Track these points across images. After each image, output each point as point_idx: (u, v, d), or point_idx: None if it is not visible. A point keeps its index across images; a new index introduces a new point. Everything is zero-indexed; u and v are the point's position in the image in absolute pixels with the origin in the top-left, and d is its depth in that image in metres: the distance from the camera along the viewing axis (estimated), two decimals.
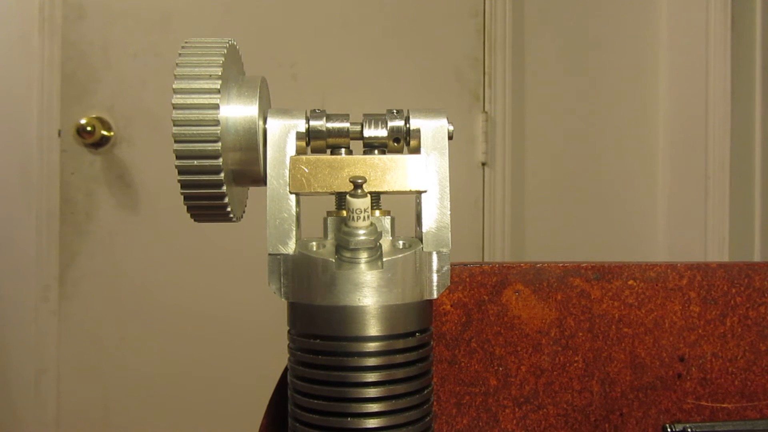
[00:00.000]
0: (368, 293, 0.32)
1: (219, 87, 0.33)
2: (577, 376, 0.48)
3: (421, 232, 0.35)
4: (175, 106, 0.33)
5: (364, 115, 0.36)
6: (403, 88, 1.33)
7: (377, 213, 0.35)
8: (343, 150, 0.36)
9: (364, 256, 0.32)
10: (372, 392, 0.32)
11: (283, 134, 0.35)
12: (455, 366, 0.47)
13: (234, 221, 0.38)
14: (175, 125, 0.33)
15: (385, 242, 0.34)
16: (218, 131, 0.33)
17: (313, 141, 0.36)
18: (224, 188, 0.34)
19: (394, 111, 0.36)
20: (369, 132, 0.36)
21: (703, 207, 1.36)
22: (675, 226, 1.43)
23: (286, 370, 0.37)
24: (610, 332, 0.48)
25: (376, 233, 0.32)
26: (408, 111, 0.36)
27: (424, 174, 0.35)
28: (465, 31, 1.36)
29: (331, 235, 0.35)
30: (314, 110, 0.36)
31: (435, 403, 0.47)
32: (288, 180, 0.35)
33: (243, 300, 1.27)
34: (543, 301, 0.48)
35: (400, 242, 0.34)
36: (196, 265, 1.29)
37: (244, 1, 1.30)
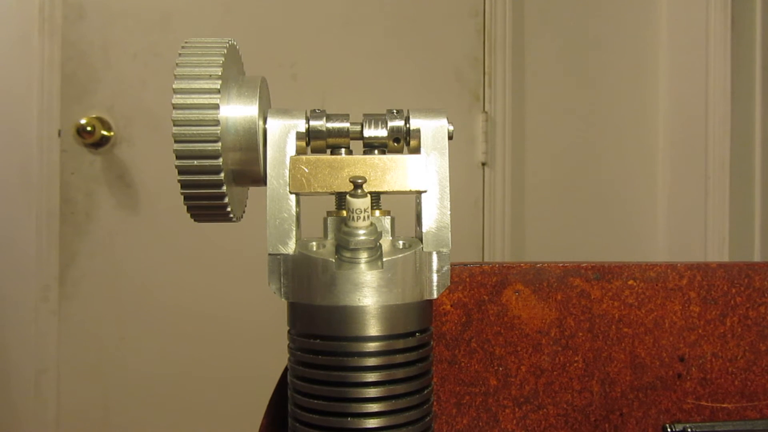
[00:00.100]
0: (368, 293, 0.32)
1: (219, 87, 0.33)
2: (577, 376, 0.48)
3: (421, 232, 0.35)
4: (175, 106, 0.33)
5: (364, 115, 0.36)
6: (403, 88, 1.33)
7: (377, 213, 0.35)
8: (343, 150, 0.36)
9: (364, 256, 0.32)
10: (372, 392, 0.32)
11: (283, 134, 0.35)
12: (455, 366, 0.47)
13: (234, 221, 0.38)
14: (175, 125, 0.33)
15: (385, 242, 0.34)
16: (218, 131, 0.33)
17: (313, 141, 0.36)
18: (224, 188, 0.34)
19: (394, 111, 0.36)
20: (369, 132, 0.36)
21: (703, 207, 1.36)
22: (675, 226, 1.43)
23: (286, 370, 0.37)
24: (610, 332, 0.48)
25: (376, 233, 0.32)
26: (408, 111, 0.36)
27: (424, 174, 0.35)
28: (465, 31, 1.36)
29: (331, 235, 0.35)
30: (314, 110, 0.36)
31: (435, 403, 0.47)
32: (288, 180, 0.35)
33: (243, 300, 1.27)
34: (543, 301, 0.48)
35: (400, 242, 0.34)
36: (196, 265, 1.29)
37: (244, 1, 1.30)
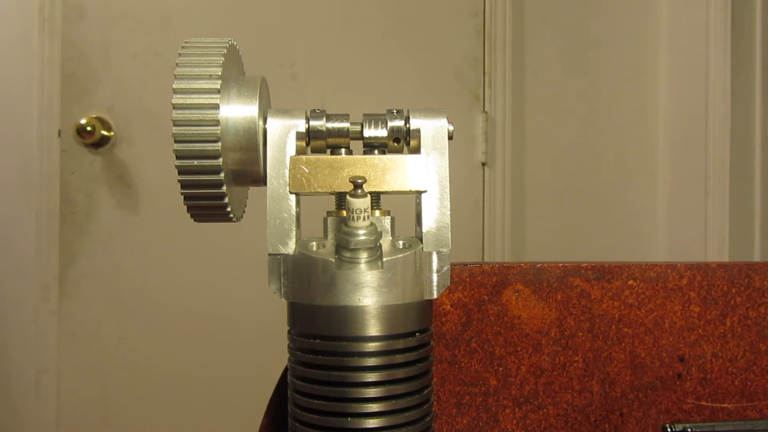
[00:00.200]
0: (368, 293, 0.32)
1: (219, 87, 0.33)
2: (577, 376, 0.48)
3: (421, 232, 0.35)
4: (175, 106, 0.33)
5: (364, 115, 0.36)
6: (403, 88, 1.33)
7: (377, 213, 0.35)
8: (343, 150, 0.36)
9: (364, 256, 0.32)
10: (372, 392, 0.32)
11: (283, 134, 0.35)
12: (455, 366, 0.47)
13: (234, 221, 0.38)
14: (175, 125, 0.33)
15: (385, 242, 0.34)
16: (218, 131, 0.33)
17: (313, 141, 0.36)
18: (224, 188, 0.34)
19: (394, 111, 0.36)
20: (369, 132, 0.36)
21: (703, 207, 1.36)
22: (675, 226, 1.43)
23: (286, 370, 0.37)
24: (610, 332, 0.48)
25: (376, 233, 0.32)
26: (408, 111, 0.36)
27: (424, 174, 0.35)
28: (465, 31, 1.36)
29: (331, 235, 0.35)
30: (314, 110, 0.36)
31: (435, 403, 0.47)
32: (288, 180, 0.35)
33: (243, 300, 1.27)
34: (543, 301, 0.48)
35: (400, 242, 0.34)
36: (196, 265, 1.29)
37: (244, 1, 1.30)
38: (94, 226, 1.27)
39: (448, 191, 0.35)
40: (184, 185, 0.34)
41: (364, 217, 0.32)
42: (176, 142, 0.33)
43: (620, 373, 0.48)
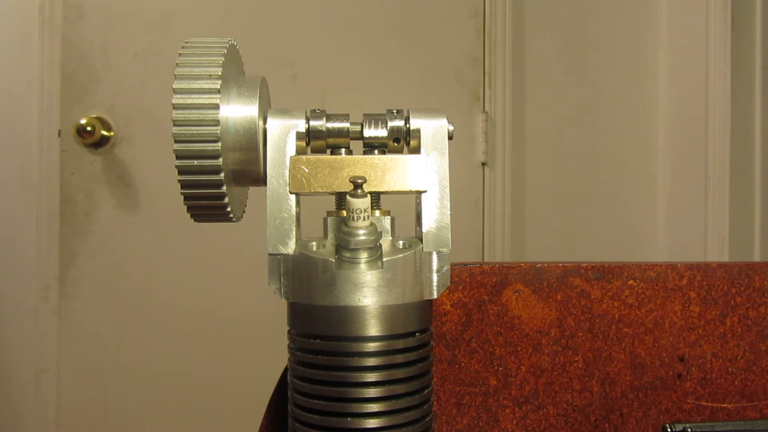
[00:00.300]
0: (368, 293, 0.32)
1: (219, 87, 0.33)
2: (577, 376, 0.48)
3: (421, 232, 0.35)
4: (175, 106, 0.33)
5: (364, 115, 0.36)
6: (403, 88, 1.33)
7: (377, 213, 0.35)
8: (343, 150, 0.36)
9: (364, 256, 0.32)
10: (372, 392, 0.32)
11: (283, 134, 0.35)
12: (455, 366, 0.47)
13: (234, 221, 0.38)
14: (175, 125, 0.33)
15: (385, 242, 0.34)
16: (218, 131, 0.33)
17: (313, 141, 0.36)
18: (224, 188, 0.34)
19: (394, 111, 0.36)
20: (369, 132, 0.36)
21: (703, 207, 1.36)
22: (675, 226, 1.43)
23: (286, 370, 0.37)
24: (610, 332, 0.48)
25: (376, 233, 0.32)
26: (408, 111, 0.36)
27: (424, 174, 0.35)
28: (465, 31, 1.36)
29: (331, 235, 0.35)
30: (314, 110, 0.36)
31: (435, 403, 0.47)
32: (288, 180, 0.35)
33: (243, 300, 1.27)
34: (543, 301, 0.48)
35: (400, 242, 0.34)
36: (196, 265, 1.29)
37: (244, 1, 1.30)
38: (94, 226, 1.27)
39: (448, 191, 0.35)
40: (184, 185, 0.34)
41: (364, 217, 0.32)
42: (176, 142, 0.33)
43: (620, 373, 0.48)
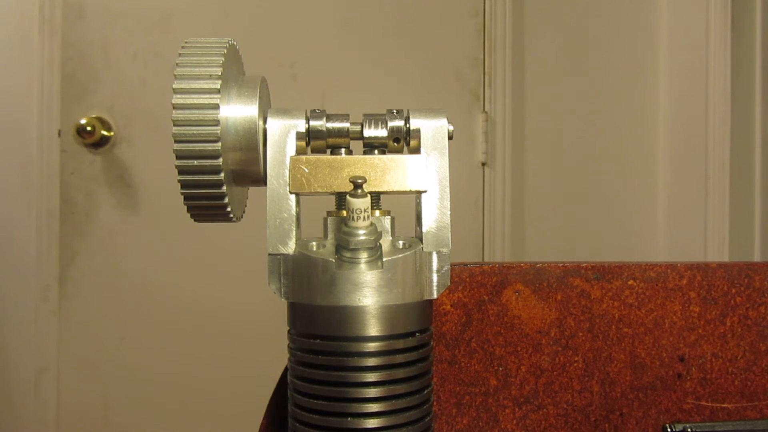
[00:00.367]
0: (368, 293, 0.32)
1: (219, 87, 0.33)
2: (577, 376, 0.48)
3: (421, 232, 0.35)
4: (175, 106, 0.33)
5: (364, 115, 0.36)
6: (403, 88, 1.33)
7: (377, 213, 0.35)
8: (343, 150, 0.36)
9: (364, 256, 0.32)
10: (372, 392, 0.32)
11: (283, 134, 0.35)
12: (455, 366, 0.47)
13: (234, 221, 0.38)
14: (175, 125, 0.33)
15: (385, 242, 0.34)
16: (218, 131, 0.33)
17: (313, 141, 0.36)
18: (224, 188, 0.34)
19: (394, 111, 0.36)
20: (369, 132, 0.36)
21: (703, 207, 1.36)
22: (675, 226, 1.43)
23: (286, 370, 0.37)
24: (610, 332, 0.48)
25: (376, 233, 0.32)
26: (408, 111, 0.36)
27: (424, 174, 0.35)
28: (465, 31, 1.36)
29: (331, 235, 0.35)
30: (314, 110, 0.36)
31: (435, 403, 0.47)
32: (288, 180, 0.35)
33: (243, 300, 1.27)
34: (543, 301, 0.48)
35: (400, 242, 0.34)
36: (196, 265, 1.29)
37: (244, 1, 1.30)
38: (94, 226, 1.27)
39: (448, 191, 0.35)
40: (184, 185, 0.34)
41: (364, 217, 0.32)
42: (176, 142, 0.33)
43: (620, 373, 0.48)
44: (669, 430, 0.47)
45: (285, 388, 0.36)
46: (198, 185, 0.34)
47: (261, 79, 0.37)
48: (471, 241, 1.37)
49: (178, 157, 0.33)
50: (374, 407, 0.32)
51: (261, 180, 0.36)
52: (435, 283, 0.34)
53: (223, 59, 0.34)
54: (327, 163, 0.35)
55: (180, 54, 0.34)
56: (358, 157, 0.35)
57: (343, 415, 0.32)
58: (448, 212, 0.35)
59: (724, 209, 1.35)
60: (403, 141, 0.36)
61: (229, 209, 0.36)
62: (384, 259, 0.32)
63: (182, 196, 0.35)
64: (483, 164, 1.36)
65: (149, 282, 1.28)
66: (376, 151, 0.36)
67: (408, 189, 0.35)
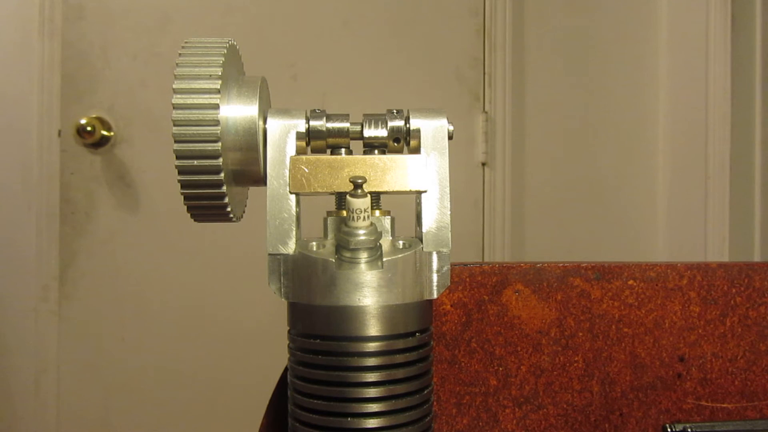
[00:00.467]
0: (368, 293, 0.32)
1: (219, 87, 0.33)
2: (577, 376, 0.48)
3: (421, 232, 0.35)
4: (175, 106, 0.33)
5: (364, 115, 0.36)
6: (403, 88, 1.33)
7: (377, 213, 0.35)
8: (343, 150, 0.36)
9: (364, 256, 0.32)
10: (372, 392, 0.32)
11: (283, 134, 0.35)
12: (455, 366, 0.47)
13: (234, 221, 0.38)
14: (175, 125, 0.33)
15: (385, 242, 0.34)
16: (218, 131, 0.33)
17: (313, 141, 0.36)
18: (224, 188, 0.34)
19: (394, 111, 0.36)
20: (369, 132, 0.36)
21: (703, 207, 1.36)
22: (675, 226, 1.43)
23: (286, 370, 0.37)
24: (610, 332, 0.48)
25: (376, 233, 0.32)
26: (408, 111, 0.36)
27: (424, 174, 0.35)
28: (465, 31, 1.36)
29: (331, 235, 0.35)
30: (314, 110, 0.36)
31: (435, 403, 0.47)
32: (288, 180, 0.35)
33: (243, 300, 1.27)
34: (543, 301, 0.48)
35: (400, 242, 0.34)
36: (196, 266, 1.29)
37: (244, 1, 1.30)
38: (94, 226, 1.27)
39: (448, 191, 0.35)
40: (184, 185, 0.34)
41: (364, 217, 0.32)
42: (176, 142, 0.33)
43: (620, 373, 0.48)
44: (669, 430, 0.47)
45: (285, 388, 0.36)
46: (198, 185, 0.34)
47: (261, 79, 0.37)
48: (471, 241, 1.37)
49: (178, 157, 0.33)
50: (374, 407, 0.32)
51: (261, 180, 0.36)
52: (435, 283, 0.34)
53: (223, 59, 0.34)
54: (327, 163, 0.35)
55: (180, 54, 0.34)
56: (358, 157, 0.35)
57: (343, 415, 0.32)
58: (448, 212, 0.35)
59: (724, 209, 1.35)
60: (403, 141, 0.36)
61: (229, 209, 0.36)
62: (384, 259, 0.32)
63: (182, 196, 0.35)
64: (483, 164, 1.36)
65: (149, 282, 1.28)
66: (376, 151, 0.36)
67: (408, 189, 0.35)
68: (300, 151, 0.35)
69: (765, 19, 1.31)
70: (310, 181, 0.35)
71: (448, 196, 0.35)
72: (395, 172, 0.35)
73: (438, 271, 0.34)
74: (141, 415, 1.28)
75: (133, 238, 1.28)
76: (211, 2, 1.30)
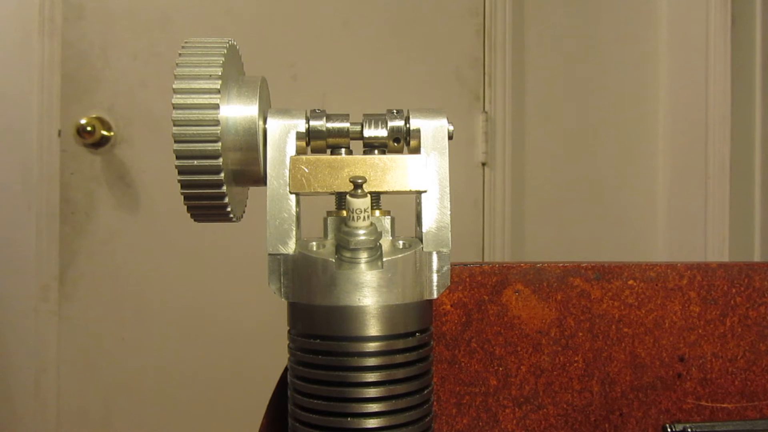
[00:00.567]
0: (368, 293, 0.32)
1: (219, 87, 0.33)
2: (577, 376, 0.48)
3: (421, 232, 0.35)
4: (175, 106, 0.33)
5: (364, 115, 0.36)
6: (403, 88, 1.33)
7: (377, 213, 0.35)
8: (343, 150, 0.36)
9: (364, 256, 0.32)
10: (372, 392, 0.32)
11: (283, 134, 0.35)
12: (455, 366, 0.47)
13: (234, 221, 0.38)
14: (175, 125, 0.33)
15: (385, 242, 0.34)
16: (218, 131, 0.33)
17: (313, 141, 0.36)
18: (224, 188, 0.34)
19: (394, 111, 0.36)
20: (369, 132, 0.36)
21: (703, 207, 1.36)
22: (675, 226, 1.43)
23: (286, 370, 0.37)
24: (610, 332, 0.48)
25: (376, 233, 0.32)
26: (408, 111, 0.36)
27: (424, 174, 0.35)
28: (465, 31, 1.36)
29: (331, 235, 0.35)
30: (314, 110, 0.36)
31: (435, 403, 0.47)
32: (288, 180, 0.35)
33: (243, 300, 1.27)
34: (543, 301, 0.48)
35: (400, 242, 0.34)
36: (196, 265, 1.29)
37: (244, 1, 1.30)
38: (94, 226, 1.27)
39: (448, 191, 0.35)
40: (184, 185, 0.34)
41: (364, 217, 0.32)
42: (176, 142, 0.33)
43: (620, 373, 0.48)
44: (669, 430, 0.47)
45: (285, 388, 0.36)
46: (198, 185, 0.34)
47: (261, 79, 0.37)
48: (471, 241, 1.37)
49: (178, 157, 0.33)
50: (374, 407, 0.32)
51: (261, 180, 0.36)
52: (435, 283, 0.34)
53: (223, 59, 0.34)
54: (327, 163, 0.35)
55: (180, 54, 0.34)
56: (358, 157, 0.35)
57: (343, 415, 0.32)
58: (448, 212, 0.35)
59: (724, 209, 1.35)
60: (403, 141, 0.36)
61: (229, 209, 0.36)
62: (384, 259, 0.32)
63: (182, 196, 0.35)
64: (483, 164, 1.36)
65: (149, 282, 1.28)
66: (376, 151, 0.36)
67: (408, 189, 0.35)
68: (300, 151, 0.35)
69: (765, 19, 1.31)
70: (310, 181, 0.35)
71: (448, 196, 0.35)
72: (395, 172, 0.35)
73: (438, 271, 0.34)
74: (141, 415, 1.28)
75: (133, 238, 1.28)
76: (211, 2, 1.30)
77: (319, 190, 0.35)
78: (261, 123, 0.35)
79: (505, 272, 0.47)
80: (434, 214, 0.35)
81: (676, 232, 1.43)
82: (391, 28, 1.35)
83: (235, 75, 0.37)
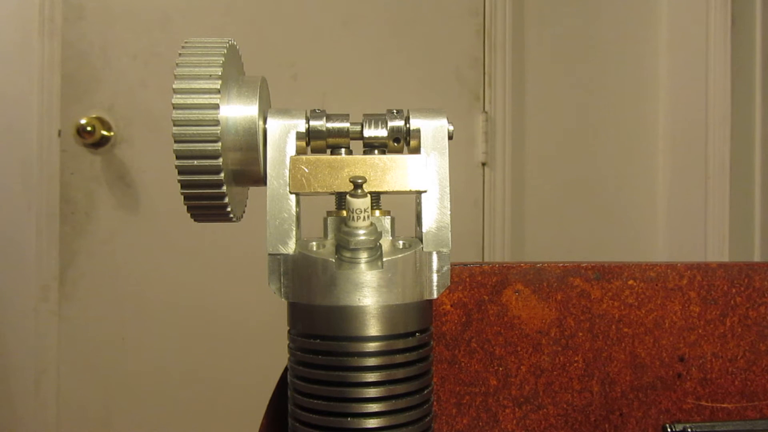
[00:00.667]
0: (368, 293, 0.32)
1: (219, 87, 0.33)
2: (577, 376, 0.48)
3: (421, 232, 0.35)
4: (175, 106, 0.33)
5: (364, 115, 0.36)
6: (403, 88, 1.33)
7: (377, 213, 0.35)
8: (343, 150, 0.36)
9: (364, 256, 0.32)
10: (372, 392, 0.32)
11: (283, 134, 0.35)
12: (455, 366, 0.47)
13: (234, 221, 0.38)
14: (175, 125, 0.33)
15: (385, 242, 0.34)
16: (218, 131, 0.33)
17: (313, 141, 0.36)
18: (224, 188, 0.34)
19: (394, 111, 0.36)
20: (369, 132, 0.36)
21: (703, 207, 1.36)
22: (675, 226, 1.43)
23: (286, 370, 0.37)
24: (610, 332, 0.48)
25: (376, 233, 0.32)
26: (408, 111, 0.36)
27: (424, 174, 0.35)
28: (465, 31, 1.36)
29: (331, 235, 0.35)
30: (314, 110, 0.36)
31: (435, 403, 0.47)
32: (288, 180, 0.35)
33: (243, 300, 1.27)
34: (543, 301, 0.48)
35: (400, 242, 0.34)
36: (196, 265, 1.29)
37: (244, 1, 1.30)
38: (94, 226, 1.27)
39: (448, 191, 0.35)
40: (184, 185, 0.34)
41: (364, 217, 0.32)
42: (176, 142, 0.33)
43: (620, 373, 0.48)
44: (669, 430, 0.47)
45: (285, 388, 0.36)
46: (198, 185, 0.34)
47: (261, 79, 0.37)
48: (471, 241, 1.37)
49: (178, 157, 0.33)
50: (374, 407, 0.32)
51: (261, 180, 0.36)
52: (435, 283, 0.34)
53: (223, 59, 0.34)
54: (327, 163, 0.35)
55: (180, 54, 0.34)
56: (358, 157, 0.35)
57: (343, 415, 0.32)
58: (448, 212, 0.35)
59: (724, 209, 1.35)
60: (403, 141, 0.36)
61: (229, 209, 0.36)
62: (384, 259, 0.32)
63: (182, 196, 0.35)
64: (483, 164, 1.36)
65: (149, 282, 1.28)
66: (376, 151, 0.36)
67: (408, 189, 0.35)
68: (300, 151, 0.35)
69: (765, 19, 1.31)
70: (310, 181, 0.35)
71: (448, 196, 0.35)
72: (395, 172, 0.35)
73: (438, 271, 0.34)
74: (141, 415, 1.28)
75: (133, 238, 1.28)
76: (211, 2, 1.30)
77: (319, 190, 0.35)
78: (261, 123, 0.35)
79: (505, 272, 0.47)
80: (434, 214, 0.35)
81: (676, 232, 1.43)
82: (391, 28, 1.35)
83: (235, 75, 0.37)
